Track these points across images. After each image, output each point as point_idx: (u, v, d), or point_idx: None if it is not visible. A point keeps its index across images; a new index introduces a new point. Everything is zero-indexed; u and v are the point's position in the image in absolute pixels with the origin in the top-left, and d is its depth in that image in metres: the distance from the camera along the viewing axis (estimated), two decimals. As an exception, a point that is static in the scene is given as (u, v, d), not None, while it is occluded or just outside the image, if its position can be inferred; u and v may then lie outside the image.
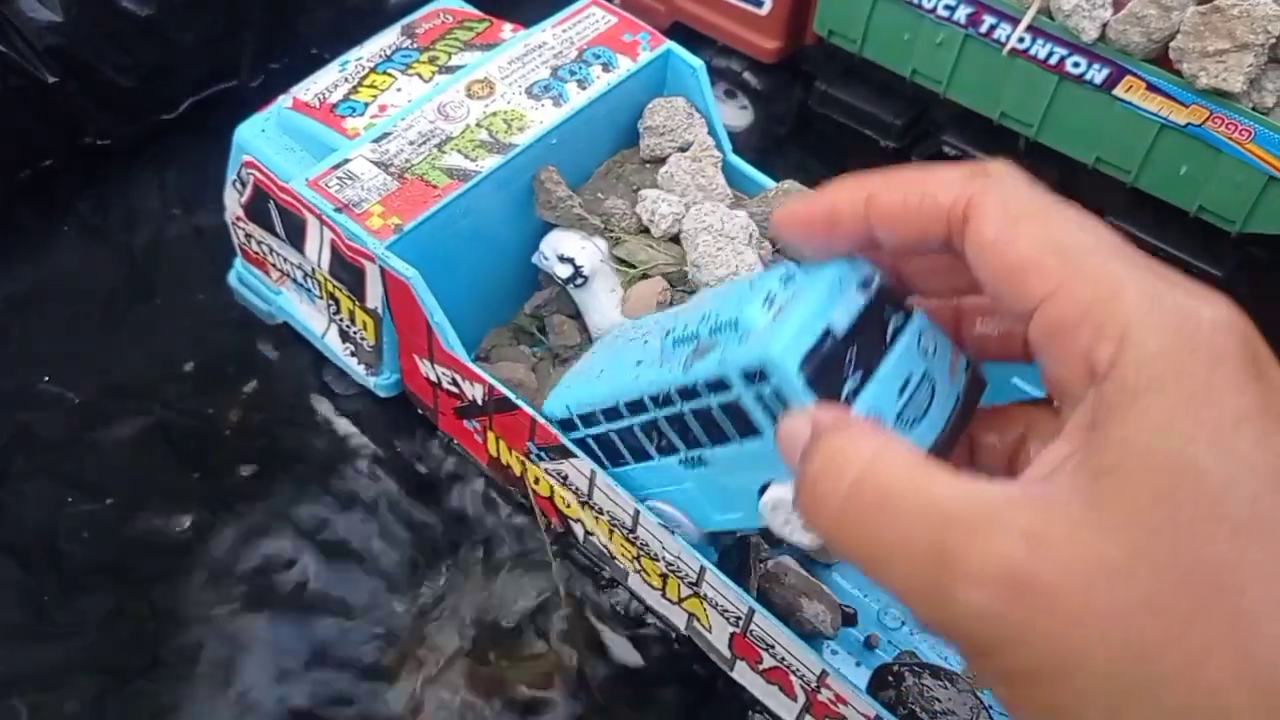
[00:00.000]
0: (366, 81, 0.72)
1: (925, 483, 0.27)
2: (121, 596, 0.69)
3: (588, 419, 0.53)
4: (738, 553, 0.64)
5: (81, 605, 0.69)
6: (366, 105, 0.72)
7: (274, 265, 0.75)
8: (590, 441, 0.55)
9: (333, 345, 0.75)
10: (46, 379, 0.79)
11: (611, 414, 0.50)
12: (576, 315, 0.72)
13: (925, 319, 0.37)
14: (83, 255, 0.87)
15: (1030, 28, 0.83)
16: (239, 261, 0.79)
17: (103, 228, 0.88)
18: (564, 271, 0.68)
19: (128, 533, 0.72)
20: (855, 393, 0.36)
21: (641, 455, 0.50)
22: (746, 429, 0.40)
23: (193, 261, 0.86)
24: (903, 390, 0.36)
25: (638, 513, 0.58)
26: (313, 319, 0.76)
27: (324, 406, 0.77)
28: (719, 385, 0.40)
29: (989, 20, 0.84)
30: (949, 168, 0.32)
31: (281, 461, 0.75)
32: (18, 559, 0.70)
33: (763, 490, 0.41)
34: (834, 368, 0.36)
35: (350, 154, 0.66)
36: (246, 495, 0.73)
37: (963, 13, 0.85)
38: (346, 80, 0.72)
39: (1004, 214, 0.30)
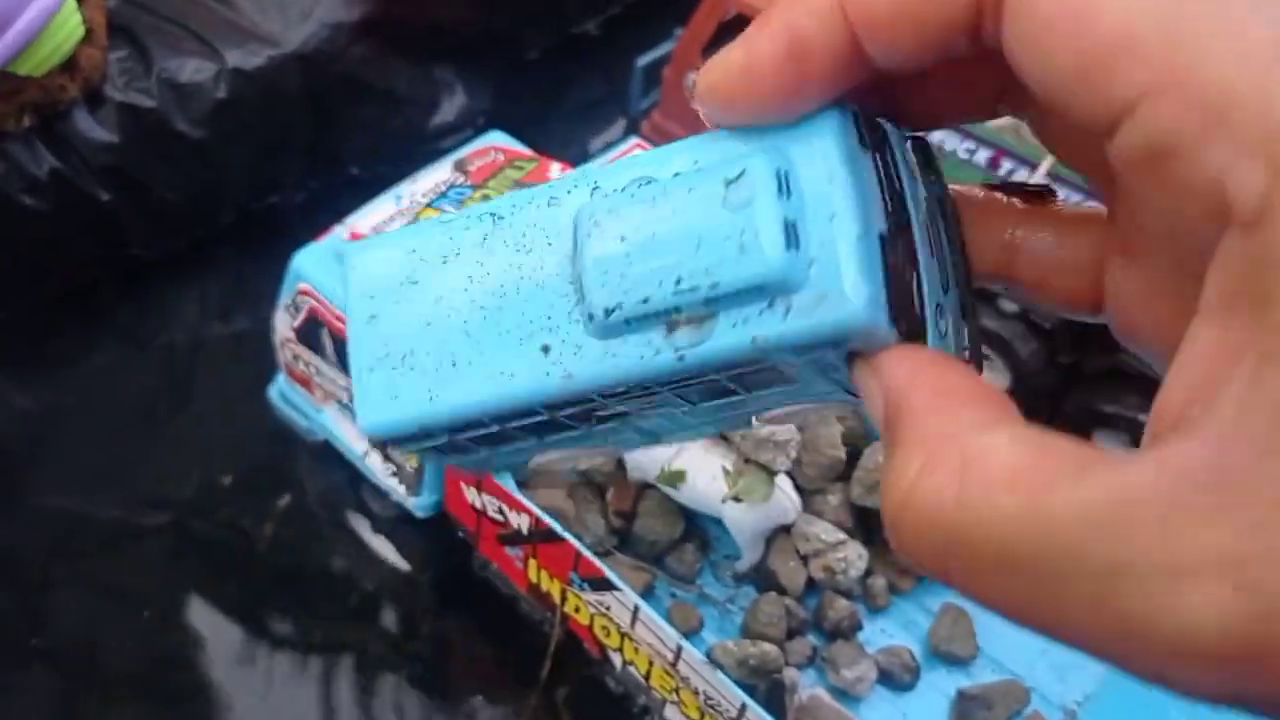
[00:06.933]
0: (421, 217, 0.75)
1: (1048, 500, 0.18)
2: (157, 711, 0.70)
3: (460, 429, 0.28)
4: (771, 689, 0.66)
5: (119, 718, 0.70)
6: (421, 239, 0.74)
7: (319, 385, 0.77)
8: (458, 443, 0.29)
9: (373, 465, 0.77)
10: (85, 488, 0.80)
11: (514, 417, 0.28)
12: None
13: (894, 129, 0.26)
14: (122, 365, 0.88)
15: (1049, 174, 0.86)
16: (281, 378, 0.82)
17: (142, 338, 0.90)
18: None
19: (164, 646, 0.73)
20: (918, 289, 0.24)
21: (552, 431, 0.29)
22: (773, 382, 0.25)
23: (231, 372, 0.88)
24: (928, 242, 0.26)
25: (680, 648, 0.60)
26: (355, 439, 0.77)
27: (360, 524, 0.79)
28: (748, 364, 0.24)
29: (1008, 164, 0.88)
30: None
31: (316, 578, 0.77)
32: (56, 668, 0.71)
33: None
34: (898, 281, 0.23)
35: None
36: (280, 611, 0.75)
37: (983, 156, 0.89)
38: (402, 214, 0.75)
39: None
